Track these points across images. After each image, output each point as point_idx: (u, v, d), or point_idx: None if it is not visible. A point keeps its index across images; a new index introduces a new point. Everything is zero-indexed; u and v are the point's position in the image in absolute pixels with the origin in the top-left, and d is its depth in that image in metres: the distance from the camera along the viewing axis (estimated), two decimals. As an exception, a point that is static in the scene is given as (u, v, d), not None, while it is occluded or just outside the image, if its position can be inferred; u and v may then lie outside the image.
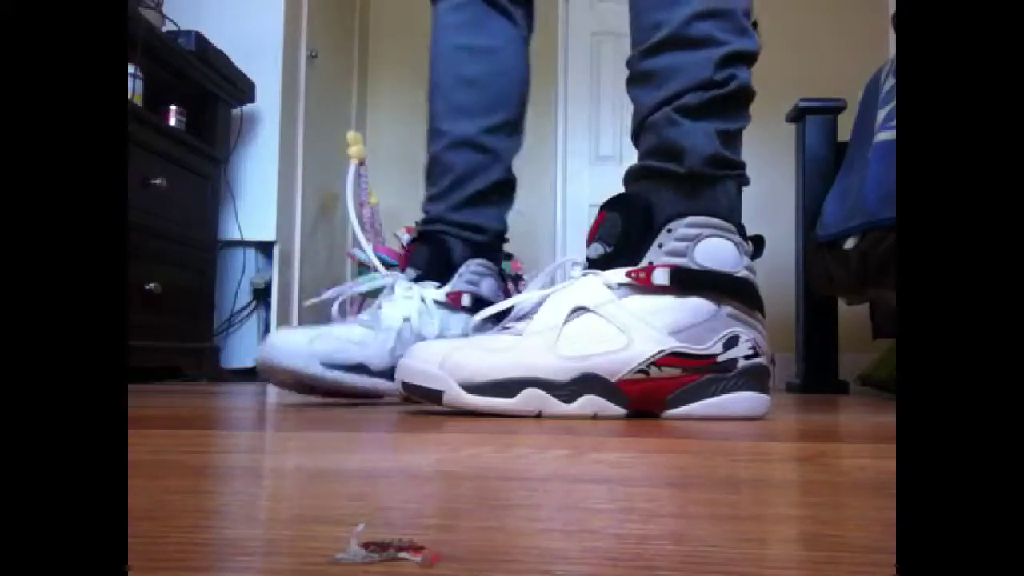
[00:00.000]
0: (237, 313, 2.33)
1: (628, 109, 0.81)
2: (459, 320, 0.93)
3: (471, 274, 0.95)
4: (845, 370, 1.77)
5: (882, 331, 1.80)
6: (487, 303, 0.91)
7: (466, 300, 0.93)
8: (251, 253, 2.37)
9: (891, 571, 0.19)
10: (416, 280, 0.93)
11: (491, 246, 1.00)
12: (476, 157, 0.97)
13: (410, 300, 0.90)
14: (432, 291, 0.92)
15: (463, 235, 0.97)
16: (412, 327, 0.89)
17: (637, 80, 0.79)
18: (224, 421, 0.60)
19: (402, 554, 0.19)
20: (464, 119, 0.97)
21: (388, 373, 0.83)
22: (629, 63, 0.81)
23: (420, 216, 1.01)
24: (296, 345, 0.80)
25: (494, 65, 0.99)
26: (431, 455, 0.41)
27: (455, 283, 0.94)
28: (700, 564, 0.20)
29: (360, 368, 0.83)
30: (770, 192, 2.70)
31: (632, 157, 0.80)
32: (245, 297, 2.36)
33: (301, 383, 0.82)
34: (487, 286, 0.97)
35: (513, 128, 1.01)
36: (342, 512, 0.25)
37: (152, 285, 1.80)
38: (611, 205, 0.76)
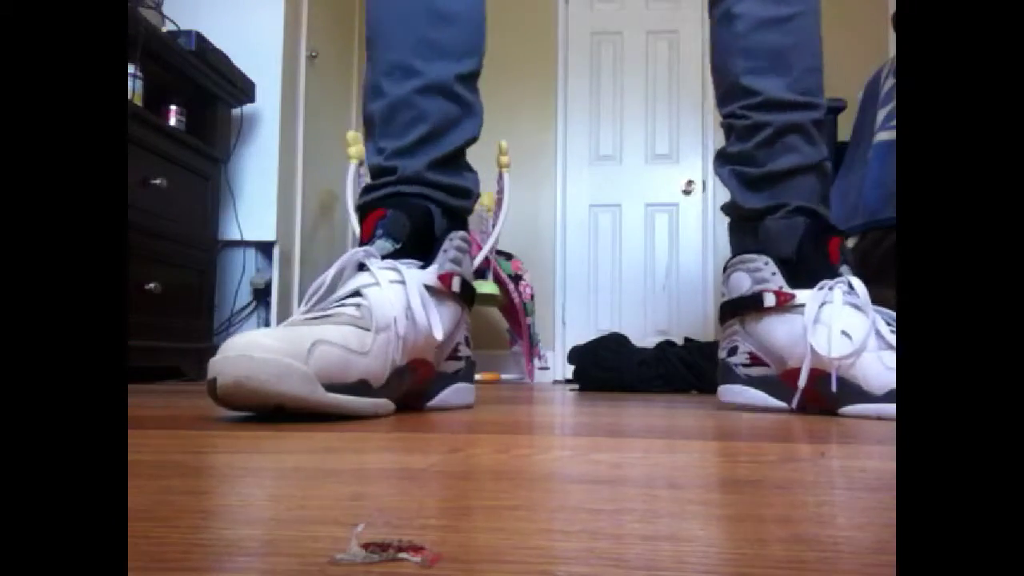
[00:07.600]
0: (237, 313, 2.34)
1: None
2: (449, 311, 0.76)
3: (455, 251, 0.78)
4: (845, 370, 1.77)
5: (882, 331, 1.79)
6: (468, 288, 0.80)
7: (456, 284, 0.77)
8: (251, 253, 2.37)
9: (891, 571, 0.19)
10: (394, 256, 0.73)
11: (465, 214, 0.86)
12: (452, 108, 0.82)
13: (401, 286, 0.70)
14: (420, 272, 0.73)
15: (444, 200, 0.81)
16: (416, 324, 0.70)
17: None
18: (223, 421, 0.60)
19: (402, 554, 0.19)
20: (439, 60, 0.81)
21: (387, 387, 0.67)
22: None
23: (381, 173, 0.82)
24: (282, 358, 0.57)
25: (471, 1, 0.84)
26: (431, 455, 0.41)
27: (441, 262, 0.76)
28: (700, 564, 0.20)
29: (362, 386, 0.64)
30: (770, 192, 2.70)
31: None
32: (245, 297, 2.36)
33: (282, 407, 0.58)
34: (467, 266, 0.81)
35: (476, 80, 0.86)
36: (342, 512, 0.25)
37: (152, 285, 1.80)
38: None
